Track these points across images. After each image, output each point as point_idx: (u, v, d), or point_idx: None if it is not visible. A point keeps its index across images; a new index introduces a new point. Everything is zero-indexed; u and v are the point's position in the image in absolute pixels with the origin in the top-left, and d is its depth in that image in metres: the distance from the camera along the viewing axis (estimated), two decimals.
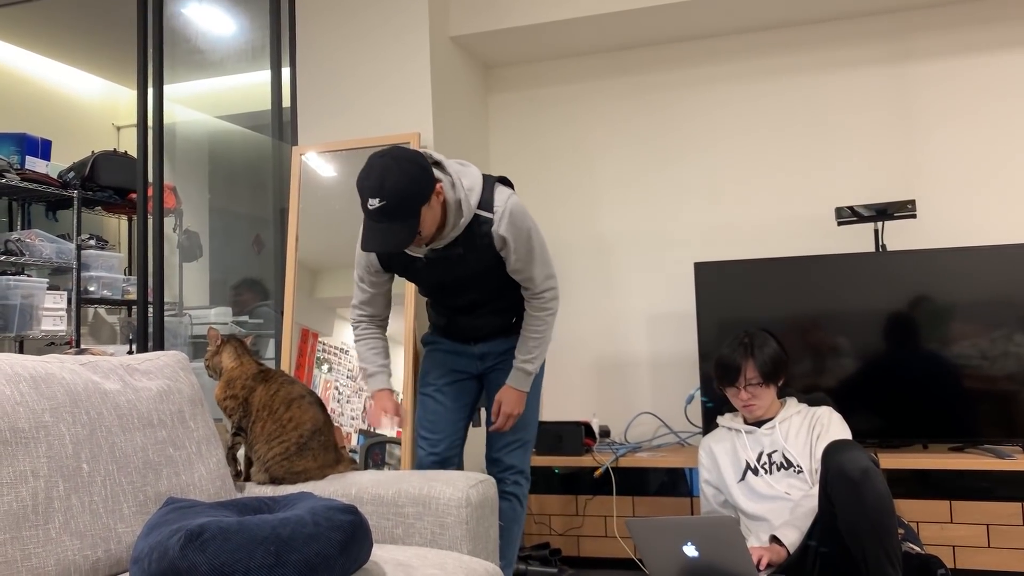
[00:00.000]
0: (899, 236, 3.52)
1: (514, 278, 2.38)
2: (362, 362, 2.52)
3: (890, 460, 2.97)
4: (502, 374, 2.52)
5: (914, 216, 3.17)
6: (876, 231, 3.31)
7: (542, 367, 2.56)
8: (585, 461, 3.30)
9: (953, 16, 3.53)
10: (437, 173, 2.18)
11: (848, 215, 3.24)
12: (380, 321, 2.54)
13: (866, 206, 3.23)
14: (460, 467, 2.61)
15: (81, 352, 2.60)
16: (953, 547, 2.93)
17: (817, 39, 3.68)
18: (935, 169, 3.52)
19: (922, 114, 3.55)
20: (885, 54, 3.60)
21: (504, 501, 2.52)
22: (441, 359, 2.60)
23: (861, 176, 3.60)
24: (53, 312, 4.03)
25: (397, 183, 2.00)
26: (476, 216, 2.22)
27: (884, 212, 3.20)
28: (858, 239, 3.55)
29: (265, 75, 3.81)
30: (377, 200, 2.00)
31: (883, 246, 3.30)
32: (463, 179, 2.23)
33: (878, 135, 3.59)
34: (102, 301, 4.43)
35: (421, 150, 2.25)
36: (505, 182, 2.37)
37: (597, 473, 3.27)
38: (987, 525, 2.90)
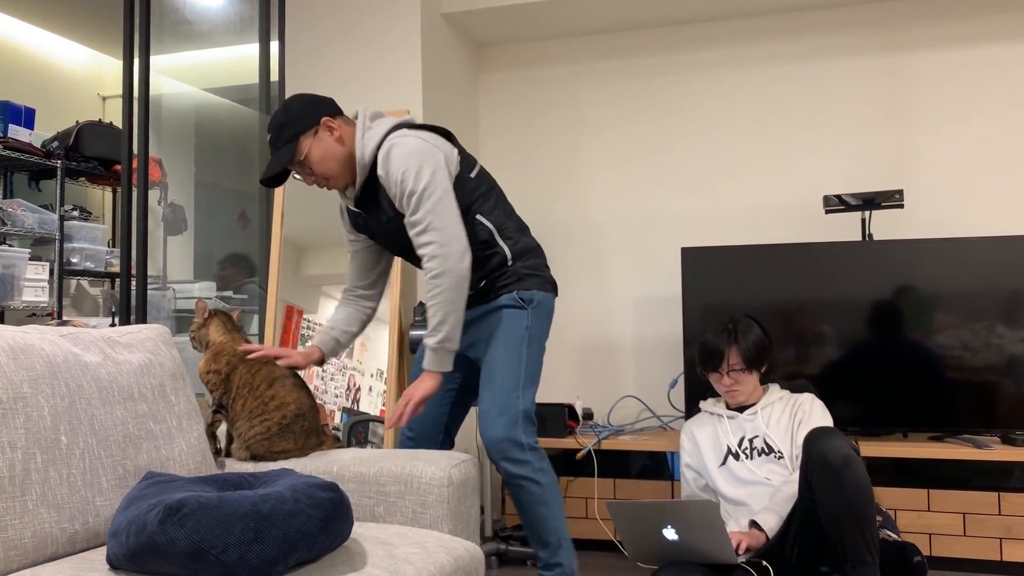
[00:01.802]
0: (886, 226, 3.53)
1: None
2: None
3: (870, 448, 2.99)
4: (479, 346, 2.32)
5: (901, 206, 3.18)
6: (863, 220, 3.32)
7: (533, 331, 2.28)
8: (568, 443, 3.31)
9: (945, 7, 3.52)
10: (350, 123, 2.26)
11: (836, 203, 3.25)
12: (358, 293, 2.44)
13: (854, 195, 3.23)
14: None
15: (63, 324, 2.58)
16: (930, 535, 2.96)
17: (810, 27, 3.67)
18: (924, 160, 3.53)
19: (912, 105, 3.55)
20: (877, 44, 3.59)
21: (513, 488, 2.25)
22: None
23: (850, 165, 3.60)
24: (35, 283, 3.99)
25: (276, 116, 2.22)
26: (378, 160, 2.20)
27: (872, 201, 3.21)
28: (845, 228, 3.56)
29: (253, 48, 3.76)
30: (268, 136, 2.23)
31: (870, 235, 3.31)
32: (374, 127, 2.23)
33: (868, 124, 3.59)
34: (85, 273, 4.39)
35: (364, 109, 2.26)
36: (435, 130, 2.26)
37: (579, 455, 3.28)
38: (963, 514, 2.93)
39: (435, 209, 2.11)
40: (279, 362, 2.18)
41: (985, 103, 3.47)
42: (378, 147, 2.19)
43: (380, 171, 2.17)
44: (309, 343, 2.41)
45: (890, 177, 3.56)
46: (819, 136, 3.64)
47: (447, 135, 2.31)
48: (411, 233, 2.15)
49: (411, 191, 2.12)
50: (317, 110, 2.20)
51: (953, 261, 3.11)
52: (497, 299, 2.29)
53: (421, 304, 3.15)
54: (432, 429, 2.43)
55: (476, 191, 2.27)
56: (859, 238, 3.43)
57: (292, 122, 2.18)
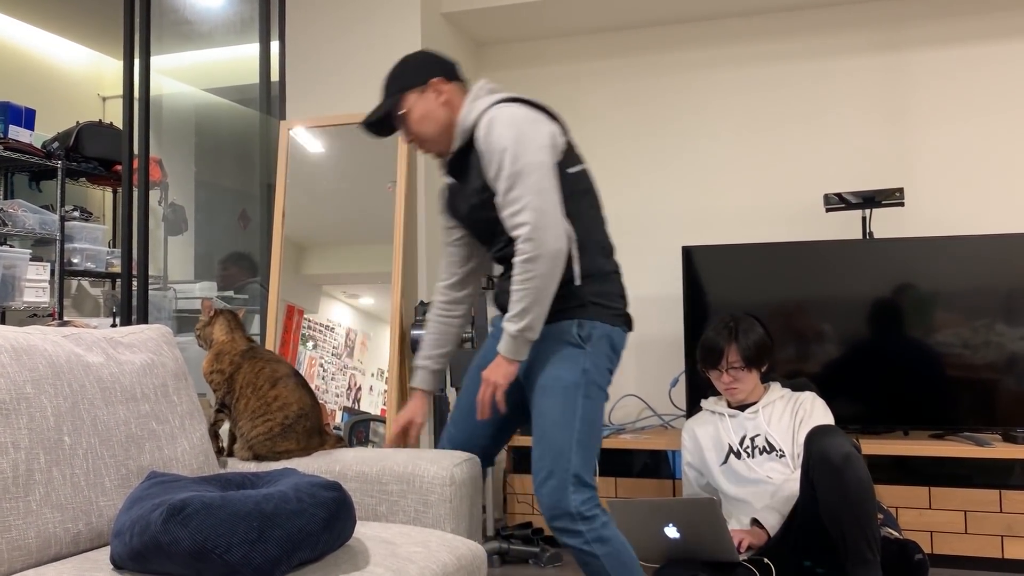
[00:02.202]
0: (886, 224, 3.53)
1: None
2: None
3: (871, 446, 2.99)
4: (530, 373, 2.04)
5: (902, 204, 3.18)
6: (864, 218, 3.32)
7: (592, 375, 1.98)
8: None
9: (943, 5, 3.52)
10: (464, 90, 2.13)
11: (836, 202, 3.25)
12: (447, 296, 2.28)
13: (854, 193, 3.23)
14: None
15: (64, 324, 2.58)
16: (931, 532, 2.96)
17: (810, 25, 3.67)
18: (924, 158, 3.53)
19: (912, 103, 3.55)
20: (877, 42, 3.59)
21: (573, 555, 1.98)
22: (489, 344, 2.21)
23: (850, 163, 3.60)
24: (36, 283, 3.99)
25: (394, 67, 2.15)
26: (479, 123, 2.02)
27: (872, 200, 3.21)
28: (846, 226, 3.56)
29: (254, 48, 3.77)
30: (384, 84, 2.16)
31: (870, 234, 3.31)
32: (485, 96, 2.07)
33: (868, 123, 3.59)
34: (86, 273, 4.39)
35: (485, 82, 2.10)
36: (550, 113, 2.07)
37: None
38: (965, 511, 2.93)
39: (535, 187, 1.89)
40: (409, 435, 2.20)
41: (984, 101, 3.47)
42: (483, 113, 2.00)
43: (479, 132, 1.97)
44: (409, 385, 2.26)
45: (890, 175, 3.56)
46: (819, 135, 3.64)
47: (560, 123, 2.10)
48: (505, 213, 1.93)
49: (511, 162, 1.90)
50: (431, 70, 2.10)
51: (953, 259, 3.11)
52: (556, 323, 2.00)
53: (422, 303, 3.15)
54: (471, 446, 2.22)
55: (569, 187, 2.01)
56: (859, 236, 3.44)
57: (403, 76, 2.11)
